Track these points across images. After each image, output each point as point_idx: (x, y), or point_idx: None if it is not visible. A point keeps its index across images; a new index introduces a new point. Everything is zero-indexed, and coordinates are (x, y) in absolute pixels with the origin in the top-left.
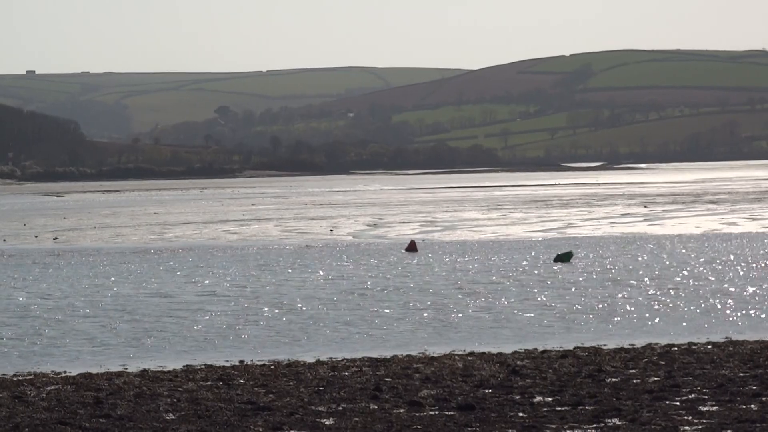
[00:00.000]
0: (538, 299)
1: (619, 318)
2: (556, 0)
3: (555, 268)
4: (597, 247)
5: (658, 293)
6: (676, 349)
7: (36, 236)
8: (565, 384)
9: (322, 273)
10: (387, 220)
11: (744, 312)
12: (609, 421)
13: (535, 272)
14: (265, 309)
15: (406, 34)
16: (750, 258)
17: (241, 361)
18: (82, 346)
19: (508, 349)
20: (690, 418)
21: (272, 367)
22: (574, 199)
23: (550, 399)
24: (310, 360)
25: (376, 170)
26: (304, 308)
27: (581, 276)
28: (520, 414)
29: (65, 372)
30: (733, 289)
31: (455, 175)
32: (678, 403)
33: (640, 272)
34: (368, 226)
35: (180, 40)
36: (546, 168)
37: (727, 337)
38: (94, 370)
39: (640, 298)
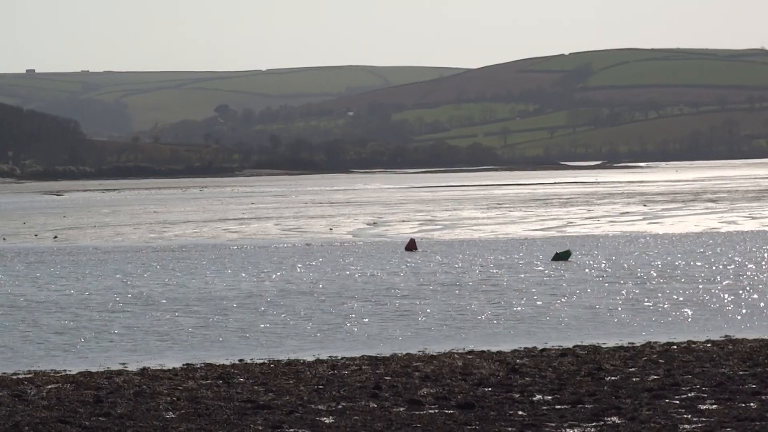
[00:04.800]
0: (537, 298)
1: (618, 316)
2: None
3: (554, 266)
4: (596, 246)
5: (657, 291)
6: (675, 347)
7: (36, 235)
8: (564, 382)
9: (317, 270)
10: (387, 219)
11: (743, 310)
12: (608, 419)
13: (534, 271)
14: (275, 307)
15: (405, 32)
16: (749, 256)
17: (241, 360)
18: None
19: (507, 348)
20: (689, 416)
21: (272, 365)
22: (573, 198)
23: (549, 397)
24: (310, 358)
25: (376, 169)
26: (310, 307)
27: (580, 274)
28: (520, 412)
29: (65, 370)
30: (732, 287)
31: (455, 174)
32: (677, 402)
33: (639, 271)
34: (368, 224)
35: (179, 39)
36: (545, 167)
37: (726, 336)
38: (94, 369)
39: (639, 297)
